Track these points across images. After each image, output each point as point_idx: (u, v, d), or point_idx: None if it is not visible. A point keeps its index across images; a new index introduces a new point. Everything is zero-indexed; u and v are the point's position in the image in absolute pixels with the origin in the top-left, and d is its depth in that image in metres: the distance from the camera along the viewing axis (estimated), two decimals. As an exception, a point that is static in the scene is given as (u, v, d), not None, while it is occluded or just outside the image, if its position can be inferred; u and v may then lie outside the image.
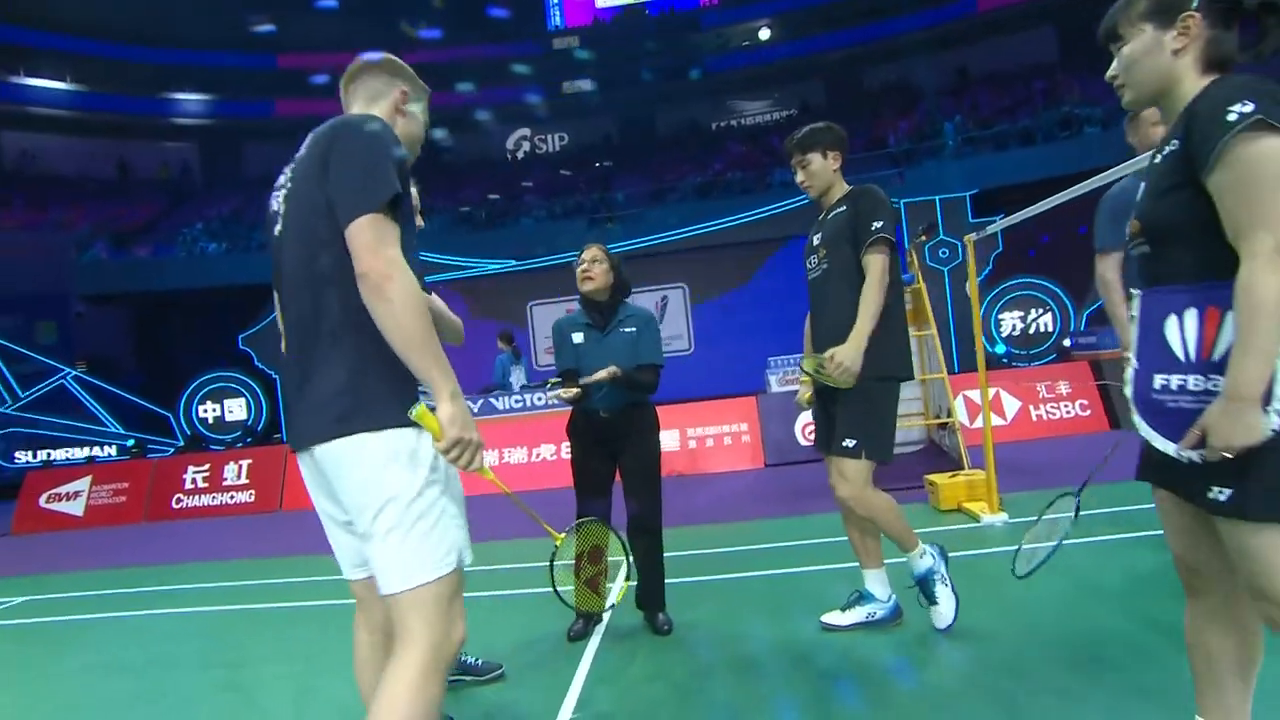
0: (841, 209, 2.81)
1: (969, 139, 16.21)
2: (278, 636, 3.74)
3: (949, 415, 5.99)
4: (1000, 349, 12.73)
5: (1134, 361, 1.48)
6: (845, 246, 2.77)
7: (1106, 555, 3.54)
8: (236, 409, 12.92)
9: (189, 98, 24.92)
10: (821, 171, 2.86)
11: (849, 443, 2.70)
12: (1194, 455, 1.37)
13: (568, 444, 3.34)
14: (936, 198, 14.16)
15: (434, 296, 2.67)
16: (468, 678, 2.76)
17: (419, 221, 2.60)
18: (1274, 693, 1.80)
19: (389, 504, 1.42)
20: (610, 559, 2.35)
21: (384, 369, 1.46)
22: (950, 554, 2.93)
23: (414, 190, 2.56)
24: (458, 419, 1.42)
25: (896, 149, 18.05)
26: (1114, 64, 1.54)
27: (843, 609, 2.98)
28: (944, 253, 13.12)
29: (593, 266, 3.16)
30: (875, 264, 2.68)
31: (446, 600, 1.45)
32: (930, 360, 6.45)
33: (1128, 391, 1.51)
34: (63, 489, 9.02)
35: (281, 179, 1.65)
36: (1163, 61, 1.45)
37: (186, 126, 25.05)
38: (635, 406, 3.18)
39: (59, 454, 13.66)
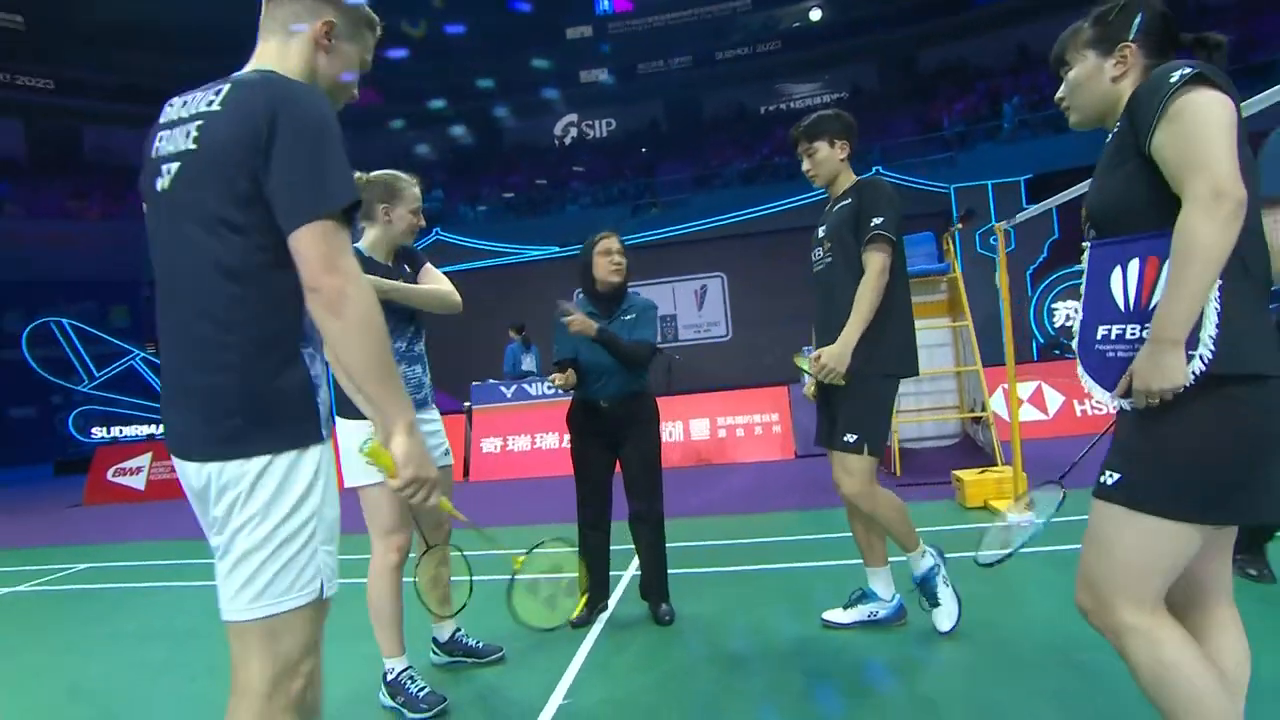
0: (846, 201, 2.76)
1: (1025, 122, 15.58)
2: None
3: (983, 409, 5.83)
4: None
5: (1080, 313, 1.53)
6: (849, 240, 2.71)
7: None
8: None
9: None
10: (827, 161, 2.80)
11: (850, 438, 2.67)
12: (1125, 403, 1.41)
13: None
14: (989, 182, 13.70)
15: (429, 268, 2.74)
16: (468, 659, 2.85)
17: (419, 221, 2.66)
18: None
19: (252, 521, 1.27)
20: (567, 574, 2.30)
21: (276, 383, 1.29)
22: (969, 554, 2.84)
23: (415, 189, 2.62)
24: (414, 456, 1.29)
25: (950, 131, 17.48)
26: (1061, 87, 1.65)
27: (845, 607, 2.96)
28: (996, 239, 12.67)
29: (622, 260, 3.16)
30: (873, 262, 2.62)
31: (300, 634, 1.29)
32: (965, 352, 6.28)
33: (1074, 344, 1.54)
34: (127, 464, 9.59)
35: (172, 112, 1.38)
36: (1102, 86, 1.56)
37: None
38: (634, 397, 3.19)
39: (129, 430, 14.49)
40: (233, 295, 1.27)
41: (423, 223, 2.68)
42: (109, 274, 18.50)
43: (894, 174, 15.76)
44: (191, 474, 1.33)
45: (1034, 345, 12.93)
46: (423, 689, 2.50)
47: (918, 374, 2.81)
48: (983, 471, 4.95)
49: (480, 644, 2.88)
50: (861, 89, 24.32)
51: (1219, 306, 1.30)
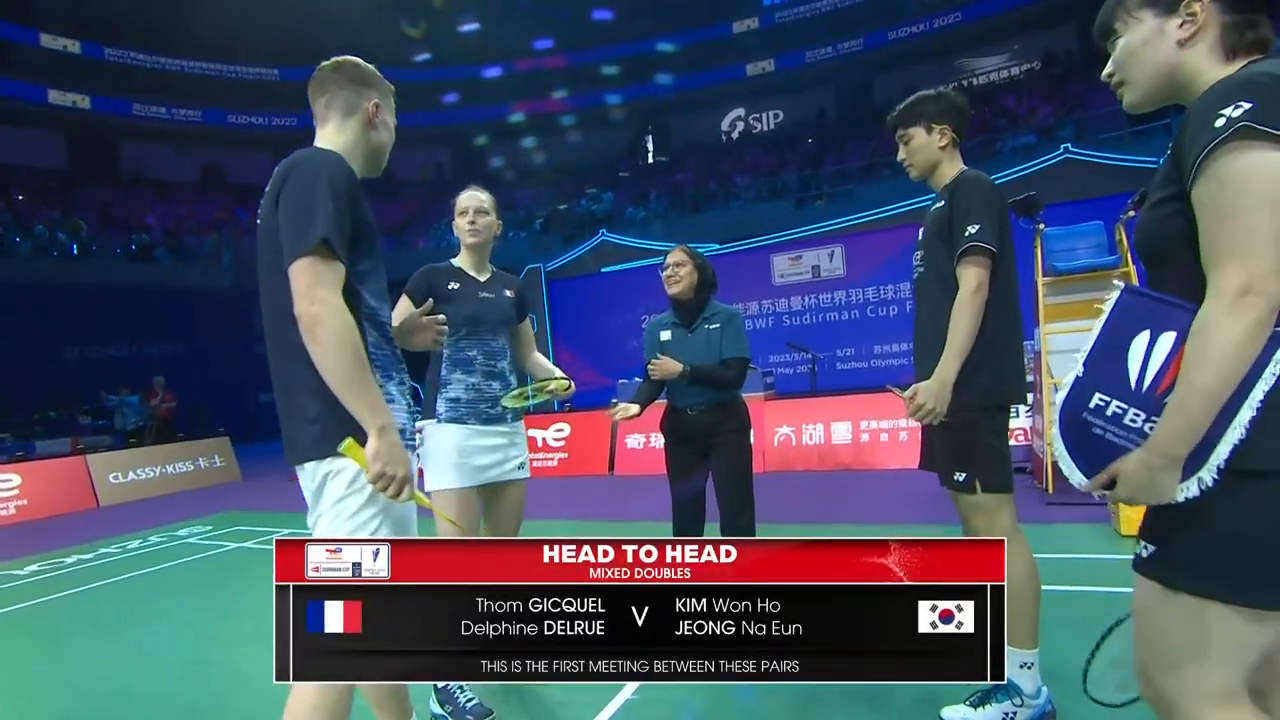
0: (940, 203, 2.38)
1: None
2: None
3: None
4: None
5: (1079, 366, 1.25)
6: (940, 248, 2.33)
7: None
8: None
9: (443, 107, 28.36)
10: (923, 149, 2.42)
11: (959, 476, 2.30)
12: (1097, 497, 1.26)
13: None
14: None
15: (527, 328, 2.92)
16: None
17: (467, 224, 2.74)
18: None
19: (326, 513, 1.59)
20: None
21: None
22: (1122, 589, 2.33)
23: (460, 199, 2.74)
24: (381, 454, 1.49)
25: (1166, 98, 15.25)
26: (1110, 60, 1.32)
27: (973, 704, 2.31)
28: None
29: (677, 270, 3.20)
30: (968, 279, 2.20)
31: None
32: (1142, 358, 5.54)
33: (1057, 398, 1.29)
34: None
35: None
36: (1164, 53, 1.22)
37: (439, 133, 28.55)
38: (723, 405, 3.16)
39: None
40: (297, 331, 1.51)
41: (473, 225, 2.72)
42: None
43: (1091, 151, 14.12)
44: (300, 477, 1.65)
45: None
46: (470, 700, 2.51)
47: (1025, 403, 2.49)
48: (1147, 495, 4.37)
49: (470, 703, 2.57)
50: (1055, 56, 21.90)
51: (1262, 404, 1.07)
